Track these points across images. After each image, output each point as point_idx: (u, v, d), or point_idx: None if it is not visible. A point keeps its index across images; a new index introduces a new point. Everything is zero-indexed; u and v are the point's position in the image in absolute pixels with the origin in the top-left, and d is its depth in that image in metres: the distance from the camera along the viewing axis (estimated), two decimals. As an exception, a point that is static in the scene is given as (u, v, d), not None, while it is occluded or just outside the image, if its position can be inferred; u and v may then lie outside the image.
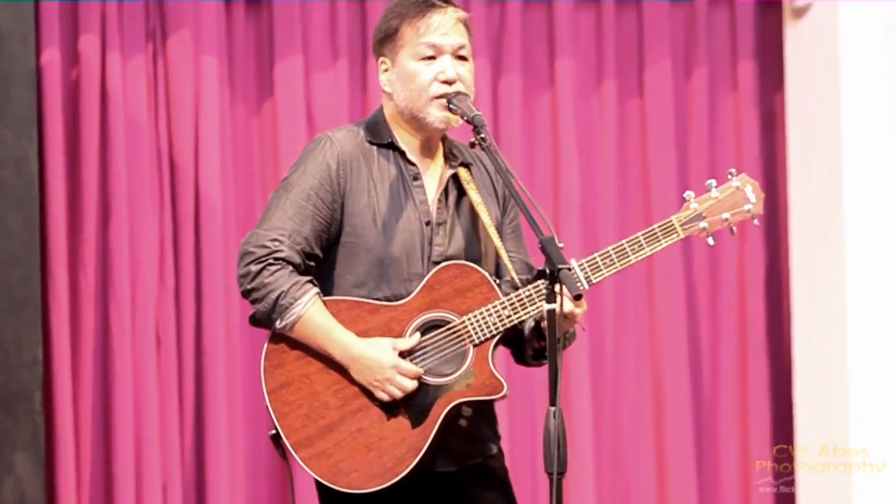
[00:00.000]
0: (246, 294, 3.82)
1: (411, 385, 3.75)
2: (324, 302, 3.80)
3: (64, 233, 5.87)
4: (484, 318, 3.79)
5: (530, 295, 3.79)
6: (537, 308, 3.77)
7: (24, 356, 5.67)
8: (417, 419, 3.77)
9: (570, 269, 3.55)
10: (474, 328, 3.79)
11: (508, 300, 3.79)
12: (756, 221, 3.95)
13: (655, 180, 6.47)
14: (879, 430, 6.30)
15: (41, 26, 5.85)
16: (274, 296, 3.76)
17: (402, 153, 3.90)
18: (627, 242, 3.83)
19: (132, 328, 5.90)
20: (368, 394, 3.79)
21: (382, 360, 3.75)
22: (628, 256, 3.83)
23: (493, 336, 3.80)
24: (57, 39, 5.88)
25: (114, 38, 5.93)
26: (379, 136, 3.91)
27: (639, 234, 3.84)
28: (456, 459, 3.86)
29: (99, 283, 5.92)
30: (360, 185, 3.86)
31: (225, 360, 5.98)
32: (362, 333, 3.79)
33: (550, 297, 3.51)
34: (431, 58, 3.84)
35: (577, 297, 3.52)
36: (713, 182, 3.91)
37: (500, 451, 3.98)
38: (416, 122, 3.88)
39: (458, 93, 3.83)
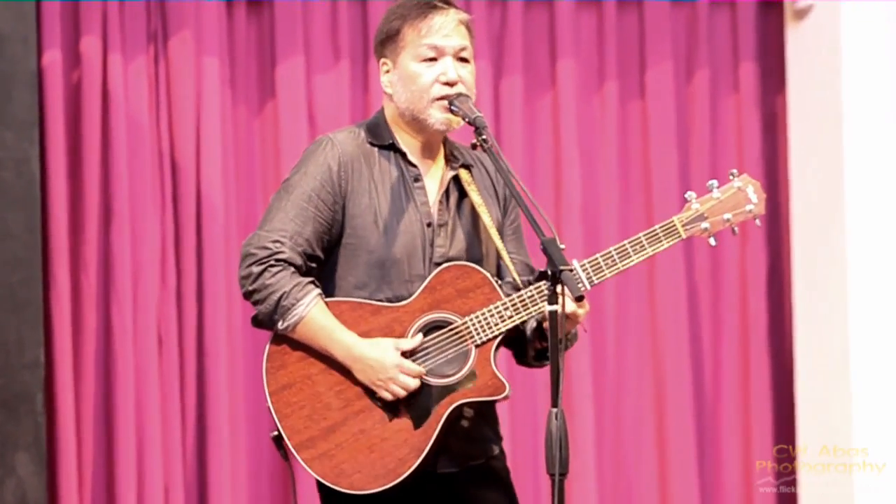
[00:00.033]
0: (248, 295, 3.82)
1: (414, 384, 3.76)
2: (325, 303, 3.80)
3: (65, 234, 5.86)
4: (486, 318, 3.79)
5: (532, 296, 3.79)
6: (539, 309, 3.77)
7: (26, 357, 5.67)
8: (419, 420, 3.77)
9: (571, 270, 3.55)
10: (476, 329, 3.79)
11: (510, 301, 3.79)
12: (758, 222, 3.95)
13: (657, 181, 6.47)
14: (881, 431, 6.30)
15: (42, 27, 5.85)
16: (276, 297, 3.77)
17: (404, 154, 3.90)
18: (629, 243, 3.83)
19: (134, 329, 5.90)
20: (371, 395, 3.79)
21: (385, 359, 3.75)
22: (630, 257, 3.83)
23: (495, 337, 3.80)
24: (58, 40, 5.88)
25: (115, 39, 5.93)
26: (380, 137, 3.92)
27: (640, 234, 3.84)
28: (458, 460, 3.86)
29: (100, 284, 5.92)
30: (362, 187, 3.86)
31: (227, 361, 5.98)
32: (364, 334, 3.79)
33: (552, 299, 3.51)
34: (433, 59, 3.85)
35: (579, 299, 3.52)
36: (715, 182, 3.91)
37: (501, 451, 3.98)
38: (417, 123, 3.88)
39: (459, 94, 3.83)
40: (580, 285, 3.76)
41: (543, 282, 3.59)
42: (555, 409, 3.49)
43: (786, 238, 6.61)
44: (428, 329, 3.81)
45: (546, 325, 3.63)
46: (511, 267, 3.90)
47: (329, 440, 3.77)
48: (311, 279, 3.81)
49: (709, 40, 6.57)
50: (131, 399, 5.87)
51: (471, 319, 3.80)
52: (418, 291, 3.82)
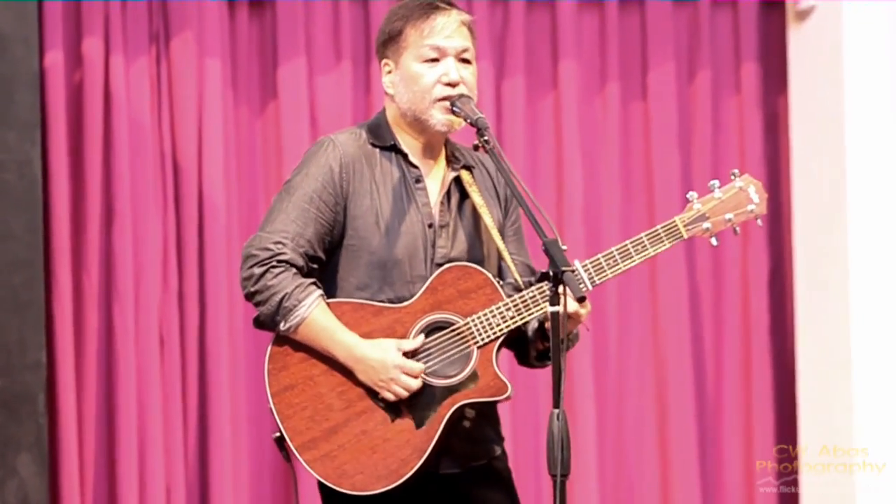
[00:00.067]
0: (249, 297, 3.81)
1: (416, 384, 3.75)
2: (327, 304, 3.80)
3: (67, 235, 5.87)
4: (488, 319, 3.79)
5: (534, 296, 3.79)
6: (541, 309, 3.77)
7: (28, 358, 5.67)
8: (422, 421, 3.77)
9: (573, 271, 3.55)
10: (478, 329, 3.79)
11: (512, 301, 3.79)
12: (759, 222, 3.95)
13: (659, 182, 6.47)
14: (882, 431, 6.30)
15: (44, 28, 5.85)
16: (277, 298, 3.77)
17: (405, 155, 3.90)
18: (631, 243, 3.83)
19: (135, 330, 5.90)
20: (373, 396, 3.79)
21: (386, 359, 3.75)
22: (632, 257, 3.83)
23: (498, 337, 3.80)
24: (60, 42, 5.89)
25: (117, 40, 5.93)
26: (381, 138, 3.92)
27: (642, 234, 3.84)
28: (460, 461, 3.86)
29: (102, 285, 5.92)
30: (363, 188, 3.86)
31: (228, 362, 5.99)
32: (366, 335, 3.79)
33: (554, 300, 3.51)
34: (435, 60, 3.85)
35: (581, 299, 3.52)
36: (716, 182, 3.91)
37: (503, 452, 3.98)
38: (418, 124, 3.88)
39: (461, 95, 3.83)
40: (582, 286, 3.76)
41: (545, 282, 3.59)
42: (556, 410, 3.49)
43: (788, 238, 6.61)
44: (430, 330, 3.81)
45: (548, 325, 3.63)
46: (512, 268, 3.90)
47: (331, 441, 3.77)
48: (312, 280, 3.81)
49: (711, 41, 6.57)
50: (133, 400, 5.88)
51: (473, 320, 3.80)
52: (420, 292, 3.82)
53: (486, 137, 3.76)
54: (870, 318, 6.32)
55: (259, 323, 3.85)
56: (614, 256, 3.82)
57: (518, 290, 3.85)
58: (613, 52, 6.47)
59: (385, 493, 3.77)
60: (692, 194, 3.90)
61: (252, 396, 6.02)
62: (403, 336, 3.80)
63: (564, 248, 3.56)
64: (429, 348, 3.80)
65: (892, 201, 6.36)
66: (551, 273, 3.52)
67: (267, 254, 3.79)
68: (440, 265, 3.84)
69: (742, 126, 6.62)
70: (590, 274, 3.80)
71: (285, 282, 3.77)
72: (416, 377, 3.75)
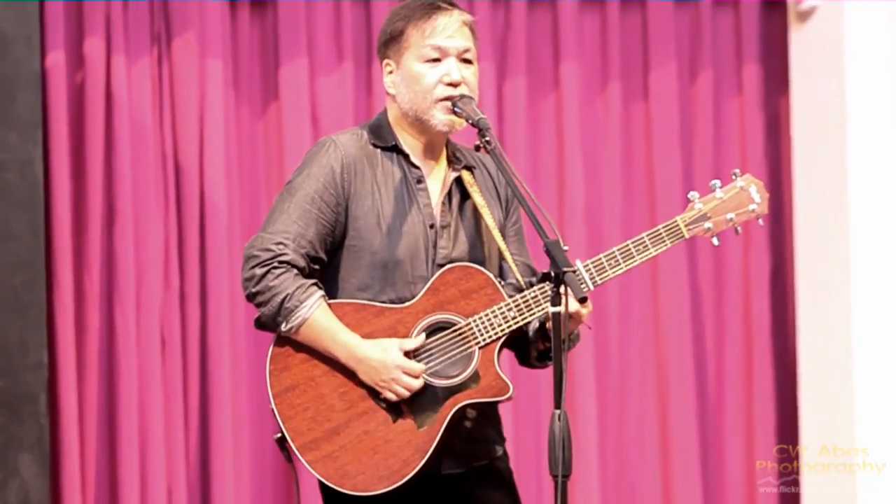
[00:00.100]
0: (251, 297, 3.81)
1: (417, 385, 3.75)
2: (329, 305, 3.79)
3: (69, 235, 5.87)
4: (489, 319, 3.79)
5: (535, 296, 3.79)
6: (543, 309, 3.77)
7: (30, 359, 5.67)
8: (423, 421, 3.77)
9: (575, 272, 3.55)
10: (480, 330, 3.79)
11: (514, 302, 3.79)
12: (760, 221, 3.95)
13: (660, 183, 6.47)
14: (883, 431, 6.30)
15: (46, 29, 5.85)
16: (279, 299, 3.76)
17: (406, 156, 3.90)
18: (632, 243, 3.83)
19: (137, 330, 5.90)
20: (374, 396, 3.78)
21: (388, 360, 3.75)
22: (633, 257, 3.83)
23: (499, 338, 3.80)
24: (62, 42, 5.89)
25: (119, 40, 5.93)
26: (383, 139, 3.91)
27: (644, 234, 3.84)
28: (462, 461, 3.86)
29: (104, 286, 5.92)
30: (365, 189, 3.86)
31: (230, 363, 5.99)
32: (368, 336, 3.79)
33: (556, 301, 3.51)
34: (436, 60, 3.85)
35: (583, 300, 3.52)
36: (717, 182, 3.91)
37: (505, 453, 3.98)
38: (420, 124, 3.88)
39: (462, 96, 3.83)
40: (583, 286, 3.76)
41: (547, 283, 3.59)
42: (558, 411, 3.49)
43: (789, 238, 6.61)
44: (432, 330, 3.81)
45: (549, 325, 3.62)
46: (514, 268, 3.90)
47: (333, 442, 3.77)
48: (314, 281, 3.81)
49: (712, 42, 6.57)
50: (134, 400, 5.88)
51: (474, 321, 3.80)
52: (422, 293, 3.82)
53: (487, 138, 3.75)
54: (871, 318, 6.32)
55: (260, 324, 3.85)
56: (616, 256, 3.82)
57: (519, 290, 3.85)
58: (615, 52, 6.47)
59: (386, 493, 3.76)
60: (693, 194, 3.90)
61: (253, 397, 6.02)
62: (405, 337, 3.80)
63: (566, 248, 3.56)
64: (430, 348, 3.80)
65: (894, 201, 6.36)
66: (553, 273, 3.52)
67: (268, 254, 3.79)
68: (441, 266, 3.84)
69: (743, 126, 6.62)
70: (591, 274, 3.80)
71: (287, 283, 3.77)
72: (417, 377, 3.75)
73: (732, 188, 3.91)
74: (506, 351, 3.88)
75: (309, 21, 6.15)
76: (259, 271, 3.78)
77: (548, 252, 3.54)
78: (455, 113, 3.82)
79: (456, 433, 3.81)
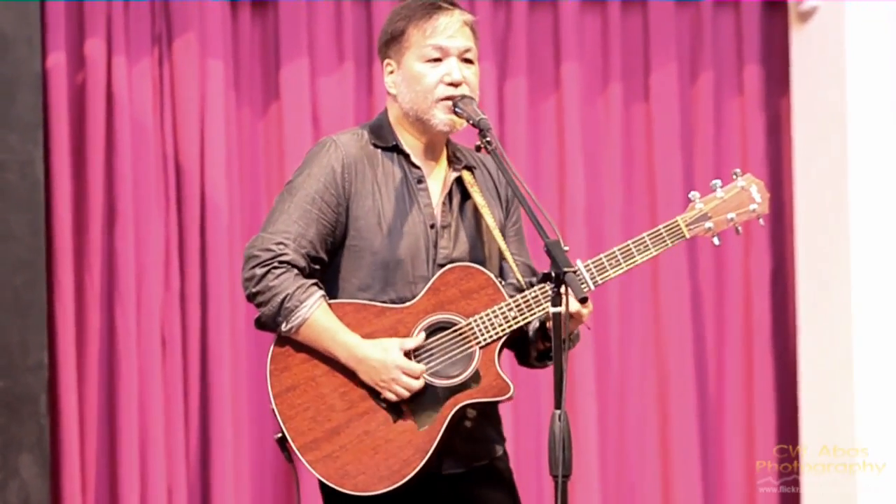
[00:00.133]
0: (251, 297, 3.81)
1: (417, 385, 3.75)
2: (329, 305, 3.79)
3: (69, 236, 5.87)
4: (490, 319, 3.79)
5: (536, 296, 3.79)
6: (543, 309, 3.77)
7: (30, 359, 5.67)
8: (424, 421, 3.77)
9: (575, 272, 3.55)
10: (480, 330, 3.79)
11: (514, 302, 3.79)
12: (761, 221, 3.95)
13: (661, 183, 6.47)
14: (883, 431, 6.30)
15: (47, 29, 5.85)
16: (279, 299, 3.76)
17: (407, 156, 3.90)
18: (633, 243, 3.83)
19: (137, 331, 5.90)
20: (375, 396, 3.78)
21: (388, 360, 3.74)
22: (634, 257, 3.83)
23: (500, 338, 3.79)
24: (63, 43, 5.89)
25: (119, 41, 5.93)
26: (383, 139, 3.91)
27: (644, 234, 3.84)
28: (462, 461, 3.86)
29: (104, 286, 5.92)
30: (365, 189, 3.86)
31: (230, 363, 5.99)
32: (368, 336, 3.79)
33: (556, 301, 3.51)
34: (437, 60, 3.85)
35: (583, 300, 3.52)
36: (718, 182, 3.91)
37: (505, 453, 3.98)
38: (420, 124, 3.88)
39: (463, 96, 3.83)
40: (584, 286, 3.76)
41: (547, 283, 3.58)
42: (558, 411, 3.49)
43: (790, 238, 6.61)
44: (432, 330, 3.81)
45: (549, 325, 3.62)
46: (514, 268, 3.90)
47: (333, 442, 3.77)
48: (314, 281, 3.80)
49: (713, 42, 6.57)
50: (135, 401, 5.88)
51: (475, 320, 3.79)
52: (422, 293, 3.82)
53: (488, 138, 3.75)
54: (871, 318, 6.32)
55: (261, 324, 3.85)
56: (616, 256, 3.82)
57: (520, 290, 3.85)
58: (616, 53, 6.47)
59: (387, 493, 3.76)
60: (694, 194, 3.90)
61: (254, 397, 6.02)
62: (406, 337, 3.79)
63: (566, 248, 3.56)
64: (431, 348, 3.80)
65: (894, 201, 6.36)
66: (553, 274, 3.52)
67: (269, 254, 3.79)
68: (442, 266, 3.84)
69: (744, 127, 6.62)
70: (592, 274, 3.80)
71: (287, 282, 3.77)
72: (417, 378, 3.75)
73: (733, 188, 3.91)
74: (506, 351, 3.88)
75: (310, 21, 6.15)
76: (259, 271, 3.78)
77: (548, 252, 3.54)
78: (456, 113, 3.82)
79: (456, 433, 3.81)
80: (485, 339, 3.79)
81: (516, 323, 3.79)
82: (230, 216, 6.03)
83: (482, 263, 3.88)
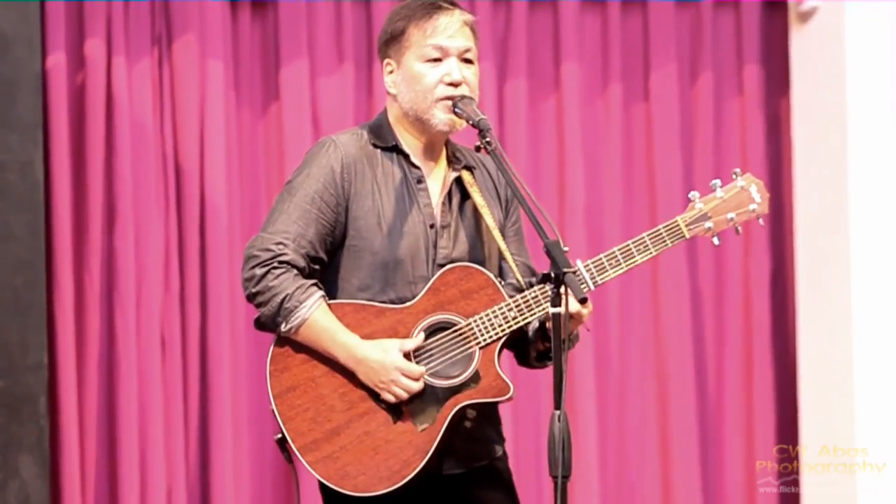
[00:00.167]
0: (251, 298, 3.81)
1: (416, 387, 3.75)
2: (329, 305, 3.79)
3: (69, 236, 5.87)
4: (490, 319, 3.79)
5: (536, 297, 3.78)
6: (543, 310, 3.77)
7: (30, 360, 5.67)
8: (424, 421, 3.77)
9: (575, 272, 3.55)
10: (480, 330, 3.79)
11: (514, 302, 3.79)
12: (761, 221, 3.95)
13: (661, 185, 6.47)
14: (883, 431, 6.30)
15: (47, 30, 5.85)
16: (279, 299, 3.76)
17: (406, 156, 3.90)
18: (633, 243, 3.83)
19: (137, 332, 5.90)
20: (374, 396, 3.78)
21: (386, 361, 3.74)
22: (634, 257, 3.83)
23: (500, 338, 3.79)
24: (62, 43, 5.89)
25: (119, 41, 5.93)
26: (383, 139, 3.91)
27: (644, 234, 3.84)
28: (462, 462, 3.86)
29: (104, 287, 5.92)
30: (365, 189, 3.86)
31: (230, 364, 5.98)
32: (368, 336, 3.78)
33: (556, 301, 3.51)
34: (437, 60, 3.84)
35: (583, 301, 3.52)
36: (718, 182, 3.91)
37: (504, 453, 3.98)
38: (420, 123, 3.88)
39: (463, 96, 3.83)
40: (583, 286, 3.76)
41: (547, 283, 3.58)
42: (557, 412, 3.49)
43: (789, 239, 6.61)
44: (432, 330, 3.81)
45: (549, 325, 3.62)
46: (514, 268, 3.90)
47: (333, 442, 3.77)
48: (314, 281, 3.80)
49: (713, 43, 6.57)
50: (134, 401, 5.87)
51: (475, 321, 3.79)
52: (422, 293, 3.82)
53: (488, 139, 3.75)
54: (871, 318, 6.33)
55: (260, 324, 3.85)
56: (616, 256, 3.82)
57: (519, 290, 3.85)
58: (616, 53, 6.47)
59: (387, 494, 3.76)
60: (694, 194, 3.90)
61: (253, 398, 6.02)
62: (406, 337, 3.79)
63: (566, 249, 3.56)
64: (431, 349, 3.80)
65: (894, 202, 6.36)
66: (553, 274, 3.52)
67: (268, 254, 3.79)
68: (442, 266, 3.84)
69: (744, 127, 6.62)
70: (592, 274, 3.80)
71: (286, 283, 3.77)
72: (416, 380, 3.75)
73: (733, 188, 3.91)
74: (506, 351, 3.88)
75: (310, 22, 6.15)
76: (259, 271, 3.78)
77: (548, 253, 3.54)
78: (455, 113, 3.82)
79: (456, 433, 3.80)
80: (485, 340, 3.79)
81: (516, 323, 3.79)
82: (230, 216, 6.03)
83: (482, 263, 3.88)
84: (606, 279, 3.81)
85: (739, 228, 3.92)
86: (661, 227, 3.85)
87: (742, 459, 6.54)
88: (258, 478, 6.07)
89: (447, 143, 3.95)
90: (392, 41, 3.88)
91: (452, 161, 3.94)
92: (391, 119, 3.93)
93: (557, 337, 3.50)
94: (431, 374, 3.78)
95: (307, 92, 6.13)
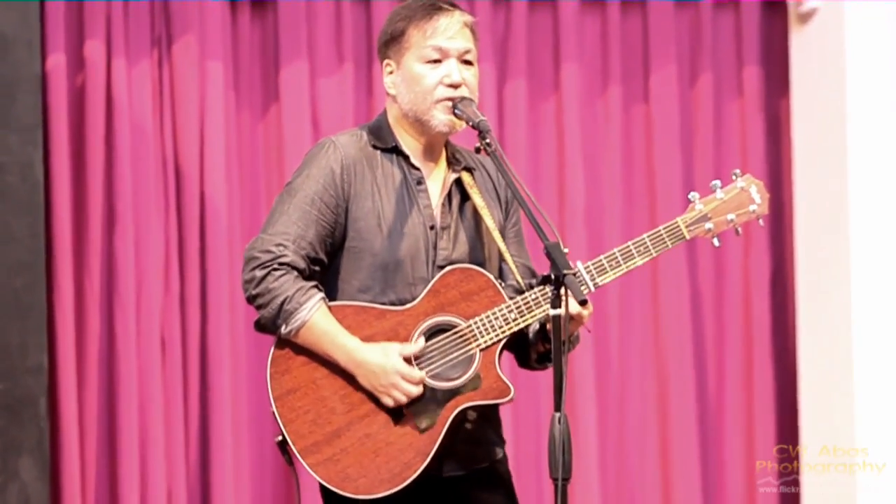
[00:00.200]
0: (251, 300, 3.81)
1: (416, 391, 3.75)
2: (329, 307, 3.79)
3: (69, 238, 5.87)
4: (490, 321, 3.79)
5: (536, 298, 3.78)
6: (544, 311, 3.76)
7: (30, 362, 5.66)
8: (425, 423, 3.76)
9: (575, 274, 3.55)
10: (481, 332, 3.79)
11: (514, 303, 3.79)
12: (761, 222, 3.95)
13: (661, 186, 6.47)
14: (883, 431, 6.30)
15: (47, 31, 5.85)
16: (279, 301, 3.76)
17: (406, 157, 3.90)
18: (633, 244, 3.83)
19: (137, 333, 5.90)
20: (375, 399, 3.78)
21: (387, 365, 3.74)
22: (634, 258, 3.82)
23: (500, 340, 3.79)
24: (62, 44, 5.89)
25: (119, 43, 5.93)
26: (383, 140, 3.91)
27: (644, 235, 3.84)
28: (462, 464, 3.86)
29: (104, 289, 5.92)
30: (365, 190, 3.85)
31: (230, 366, 5.98)
32: (368, 338, 3.78)
33: (556, 303, 3.51)
34: (437, 61, 3.84)
35: (583, 302, 3.52)
36: (718, 183, 3.91)
37: (505, 455, 3.97)
38: (419, 125, 3.88)
39: (463, 98, 3.82)
40: (584, 288, 3.76)
41: (547, 285, 3.58)
42: (557, 414, 3.48)
43: (789, 240, 6.61)
44: (432, 332, 3.80)
45: (549, 326, 3.62)
46: (514, 269, 3.89)
47: (334, 445, 3.77)
48: (314, 283, 3.80)
49: (713, 44, 6.57)
50: (134, 404, 5.87)
51: (475, 322, 3.79)
52: (422, 295, 3.81)
53: (487, 140, 3.75)
54: (871, 318, 6.33)
55: (260, 326, 3.84)
56: (616, 257, 3.81)
57: (519, 291, 3.84)
58: (615, 54, 6.47)
59: (388, 496, 3.76)
60: (694, 195, 3.90)
61: (253, 399, 6.01)
62: (406, 338, 3.79)
63: (566, 250, 3.56)
64: (431, 351, 3.80)
65: (894, 203, 6.36)
66: (553, 276, 3.51)
67: (268, 256, 3.78)
68: (442, 267, 3.84)
69: (744, 129, 6.62)
70: (592, 275, 3.80)
71: (286, 285, 3.76)
72: (416, 384, 3.74)
73: (733, 189, 3.91)
74: (506, 353, 3.88)
75: (309, 23, 6.15)
76: (259, 273, 3.78)
77: (548, 254, 3.54)
78: (455, 115, 3.82)
79: (457, 436, 3.80)
80: (485, 342, 3.79)
81: (517, 325, 3.79)
82: (230, 218, 6.03)
83: (482, 265, 3.87)
84: (607, 280, 3.81)
85: (739, 229, 3.92)
86: (661, 228, 3.85)
87: (742, 459, 6.54)
88: (258, 480, 6.07)
89: (447, 145, 3.95)
90: (392, 42, 3.88)
91: (452, 162, 3.94)
92: (391, 120, 3.93)
93: (557, 339, 3.50)
94: (432, 376, 3.77)
95: (307, 93, 6.13)
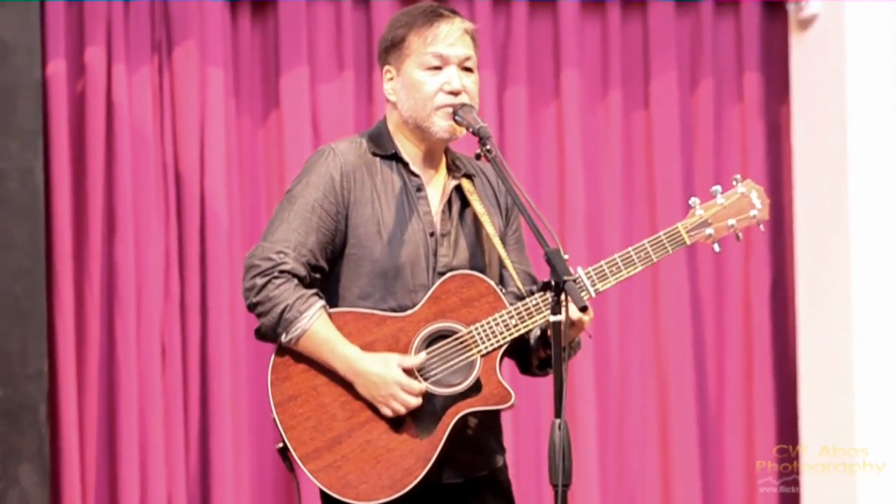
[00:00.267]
0: (251, 307, 3.81)
1: (415, 402, 3.74)
2: (329, 314, 3.78)
3: (69, 244, 5.86)
4: (491, 327, 3.78)
5: (537, 304, 3.78)
6: (544, 317, 3.76)
7: (30, 368, 5.66)
8: (425, 430, 3.76)
9: (575, 280, 3.55)
10: (482, 338, 3.79)
11: (515, 310, 3.79)
12: (761, 227, 3.95)
13: (661, 191, 6.47)
14: (883, 431, 6.30)
15: (47, 37, 5.85)
16: (279, 309, 3.76)
17: (406, 164, 3.90)
18: (633, 250, 3.83)
19: (137, 340, 5.90)
20: (376, 406, 3.78)
21: (386, 376, 3.74)
22: (634, 264, 3.82)
23: (501, 346, 3.79)
24: (63, 50, 5.89)
25: (119, 48, 5.93)
26: (382, 147, 3.91)
27: (645, 241, 3.84)
28: (462, 471, 3.85)
29: (104, 295, 5.92)
30: (365, 197, 3.85)
31: (230, 372, 5.98)
32: (369, 345, 3.78)
33: (556, 309, 3.51)
34: (437, 68, 3.84)
35: (584, 308, 3.51)
36: (718, 188, 3.91)
37: (505, 464, 3.97)
38: (420, 131, 3.88)
39: (463, 104, 3.83)
40: (584, 294, 3.75)
41: (548, 291, 3.58)
42: (558, 420, 3.48)
43: (790, 244, 6.61)
44: (433, 339, 3.80)
45: (550, 332, 3.62)
46: (514, 276, 3.89)
47: (335, 451, 3.76)
48: (314, 291, 3.80)
49: (713, 49, 6.57)
50: (135, 410, 5.87)
51: (476, 329, 3.79)
52: (423, 301, 3.81)
53: (488, 147, 3.75)
54: (871, 321, 6.33)
55: (261, 334, 3.84)
56: (617, 263, 3.81)
57: (520, 298, 3.84)
58: (616, 60, 6.47)
59: (388, 502, 3.75)
60: (694, 200, 3.90)
61: (253, 405, 6.01)
62: (407, 345, 3.79)
63: (566, 256, 3.56)
64: (432, 357, 3.79)
65: (894, 207, 6.36)
66: (553, 282, 3.51)
67: (269, 264, 3.78)
68: (442, 274, 3.84)
69: (744, 134, 6.62)
70: (592, 281, 3.80)
71: (287, 293, 3.76)
72: (415, 395, 3.74)
73: (733, 194, 3.91)
74: (507, 359, 3.88)
75: (310, 29, 6.15)
76: (260, 281, 3.78)
77: (548, 261, 3.54)
78: (455, 121, 3.82)
79: (457, 442, 3.80)
80: (486, 348, 3.78)
81: (517, 331, 3.79)
82: (230, 224, 6.03)
83: (482, 271, 3.87)
84: (607, 286, 3.81)
85: (740, 234, 3.91)
86: (661, 233, 3.85)
87: (742, 459, 6.53)
88: (258, 486, 6.07)
89: (447, 151, 3.95)
90: (392, 49, 3.88)
91: (452, 169, 3.94)
92: (391, 127, 3.93)
93: (558, 345, 3.50)
94: (433, 383, 3.77)
95: (307, 99, 6.13)
